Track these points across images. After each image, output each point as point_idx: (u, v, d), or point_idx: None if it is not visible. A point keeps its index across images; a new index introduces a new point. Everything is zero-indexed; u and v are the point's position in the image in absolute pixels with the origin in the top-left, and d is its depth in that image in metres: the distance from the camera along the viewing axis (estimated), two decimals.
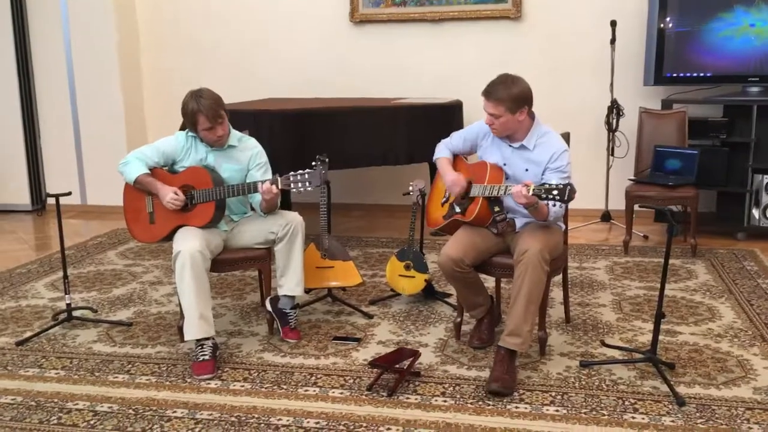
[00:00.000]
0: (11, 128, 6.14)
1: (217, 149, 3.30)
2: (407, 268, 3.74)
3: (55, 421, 2.66)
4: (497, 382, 2.78)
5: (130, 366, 3.12)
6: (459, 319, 3.30)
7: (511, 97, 2.95)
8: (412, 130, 4.69)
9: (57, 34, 6.01)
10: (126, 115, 6.03)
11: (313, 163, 3.25)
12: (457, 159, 3.32)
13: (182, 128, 3.41)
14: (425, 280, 3.73)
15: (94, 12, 5.88)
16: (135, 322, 3.62)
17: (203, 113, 3.13)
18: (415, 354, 2.97)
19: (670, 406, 2.66)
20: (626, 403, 2.69)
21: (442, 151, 3.33)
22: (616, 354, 3.11)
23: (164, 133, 3.49)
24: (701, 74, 4.96)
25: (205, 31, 6.01)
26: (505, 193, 2.95)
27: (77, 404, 2.79)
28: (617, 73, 5.13)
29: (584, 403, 2.69)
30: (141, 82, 6.22)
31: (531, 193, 2.78)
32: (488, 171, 3.08)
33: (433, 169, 3.50)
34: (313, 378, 2.96)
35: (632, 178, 4.83)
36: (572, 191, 2.72)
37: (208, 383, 2.93)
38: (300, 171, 3.11)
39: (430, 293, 3.83)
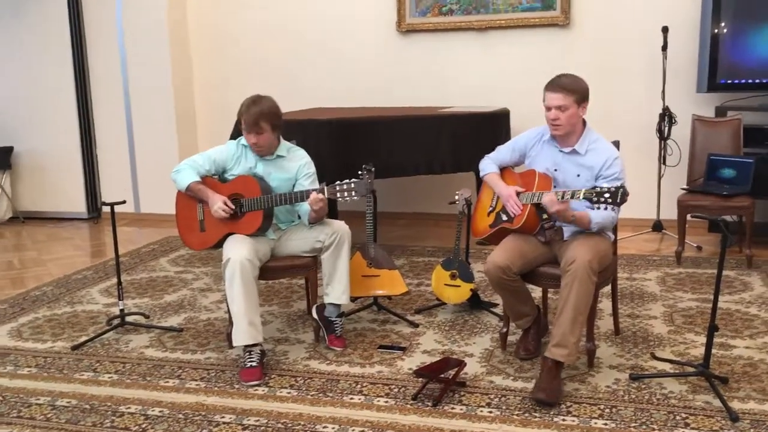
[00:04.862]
0: (69, 139, 6.36)
1: (267, 159, 3.35)
2: (453, 277, 3.73)
3: (108, 425, 2.73)
4: (543, 391, 2.75)
5: (180, 371, 3.18)
6: (505, 330, 3.28)
7: (579, 88, 3.01)
8: (459, 138, 4.67)
9: (113, 46, 6.20)
10: (178, 126, 6.18)
11: (359, 173, 3.27)
12: (505, 170, 3.31)
13: (232, 137, 3.47)
14: (471, 290, 3.72)
15: (148, 25, 6.06)
16: (185, 328, 3.70)
17: (243, 117, 3.24)
18: (461, 364, 2.95)
19: (723, 422, 2.58)
20: (677, 417, 2.63)
21: (489, 166, 3.32)
22: (667, 367, 3.05)
23: (215, 143, 3.57)
24: (757, 80, 4.82)
25: (254, 44, 6.13)
26: (539, 200, 2.94)
27: (129, 408, 2.86)
28: (669, 80, 5.03)
29: (634, 417, 2.64)
30: (193, 93, 6.37)
31: (582, 197, 2.76)
32: (537, 179, 3.07)
33: (479, 178, 3.49)
34: (359, 386, 2.97)
35: (685, 187, 4.73)
36: (625, 193, 2.72)
37: (256, 389, 2.97)
38: (346, 180, 3.15)
39: (475, 303, 3.81)
